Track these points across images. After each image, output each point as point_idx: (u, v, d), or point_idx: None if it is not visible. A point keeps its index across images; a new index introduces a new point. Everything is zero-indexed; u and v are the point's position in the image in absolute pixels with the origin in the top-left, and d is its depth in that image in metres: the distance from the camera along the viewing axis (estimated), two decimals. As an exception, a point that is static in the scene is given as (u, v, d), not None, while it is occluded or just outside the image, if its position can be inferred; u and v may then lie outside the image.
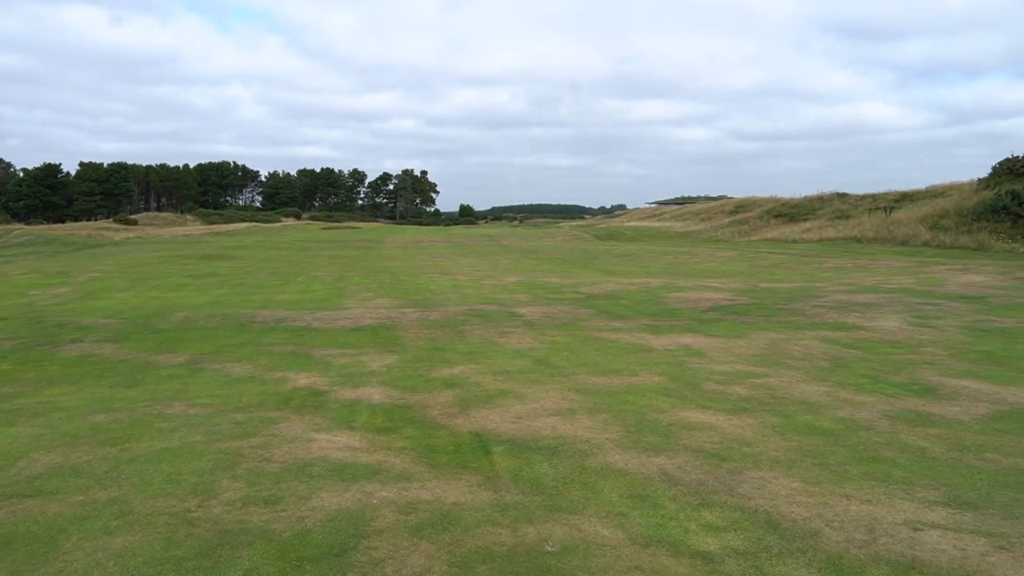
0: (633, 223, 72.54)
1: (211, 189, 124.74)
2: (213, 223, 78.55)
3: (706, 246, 41.93)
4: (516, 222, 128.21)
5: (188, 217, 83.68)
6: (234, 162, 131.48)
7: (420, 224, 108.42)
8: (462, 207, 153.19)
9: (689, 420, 5.74)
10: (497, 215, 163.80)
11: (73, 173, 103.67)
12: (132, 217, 72.59)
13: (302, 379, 7.36)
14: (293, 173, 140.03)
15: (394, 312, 12.23)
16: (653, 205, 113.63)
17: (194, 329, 10.55)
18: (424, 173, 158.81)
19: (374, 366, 7.94)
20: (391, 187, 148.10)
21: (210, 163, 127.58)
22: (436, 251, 40.84)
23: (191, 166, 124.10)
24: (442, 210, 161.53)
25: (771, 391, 6.74)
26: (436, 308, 12.74)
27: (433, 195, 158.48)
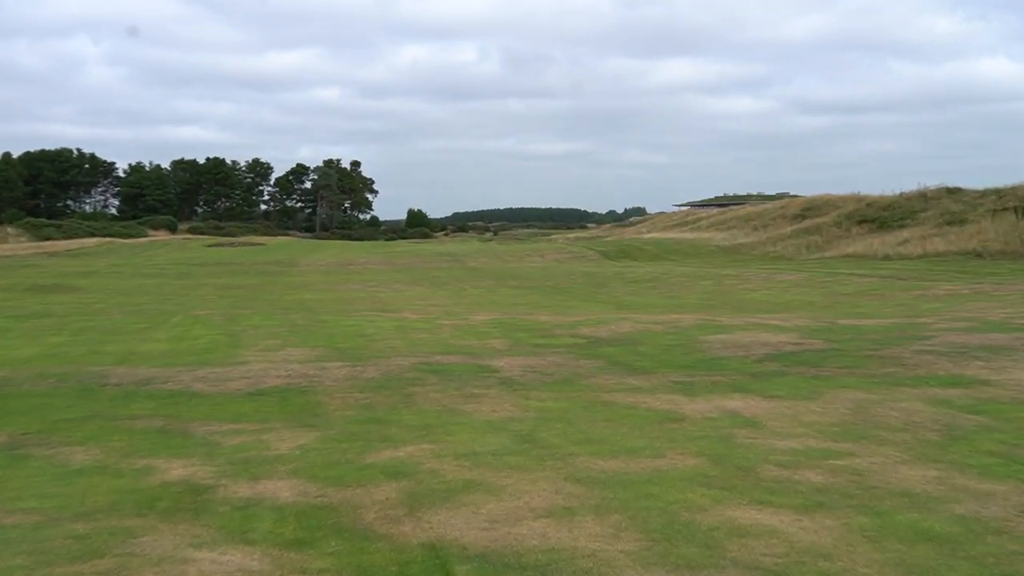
0: (655, 234, 73.07)
1: (44, 189, 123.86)
2: (47, 239, 78.05)
3: (760, 266, 42.31)
4: (489, 235, 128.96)
5: (9, 230, 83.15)
6: (78, 149, 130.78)
7: (350, 238, 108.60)
8: (411, 213, 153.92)
9: (740, 522, 5.75)
10: (461, 225, 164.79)
11: None
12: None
13: (176, 469, 7.28)
14: (165, 165, 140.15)
15: (312, 367, 12.25)
16: (684, 208, 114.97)
17: (14, 397, 10.44)
18: (356, 165, 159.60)
19: (282, 448, 7.91)
20: (308, 185, 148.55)
21: (42, 151, 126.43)
22: (373, 277, 40.58)
23: (13, 156, 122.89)
24: (382, 217, 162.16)
25: (858, 477, 6.78)
26: (373, 361, 12.76)
27: (369, 196, 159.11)
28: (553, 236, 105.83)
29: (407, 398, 10.06)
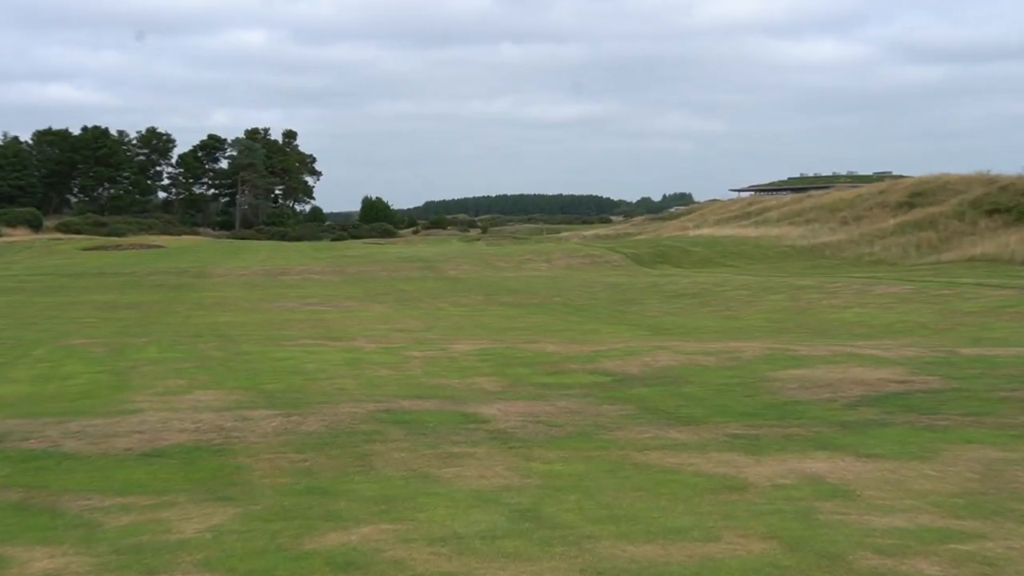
0: (706, 230, 72.64)
1: None
2: None
3: (851, 273, 42.07)
4: (475, 232, 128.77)
5: None
6: None
7: (283, 238, 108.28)
8: (368, 204, 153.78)
9: (826, 632, 5.65)
10: (436, 219, 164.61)
11: None
12: None
13: (39, 560, 7.22)
14: (25, 138, 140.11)
15: (230, 418, 12.24)
16: (745, 194, 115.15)
17: None
18: (290, 137, 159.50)
19: (188, 530, 7.85)
20: (224, 165, 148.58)
21: None
22: (316, 292, 40.48)
23: None
24: (328, 209, 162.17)
25: (990, 569, 6.74)
26: (315, 409, 12.77)
27: (309, 180, 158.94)
28: (564, 234, 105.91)
29: (362, 460, 10.05)
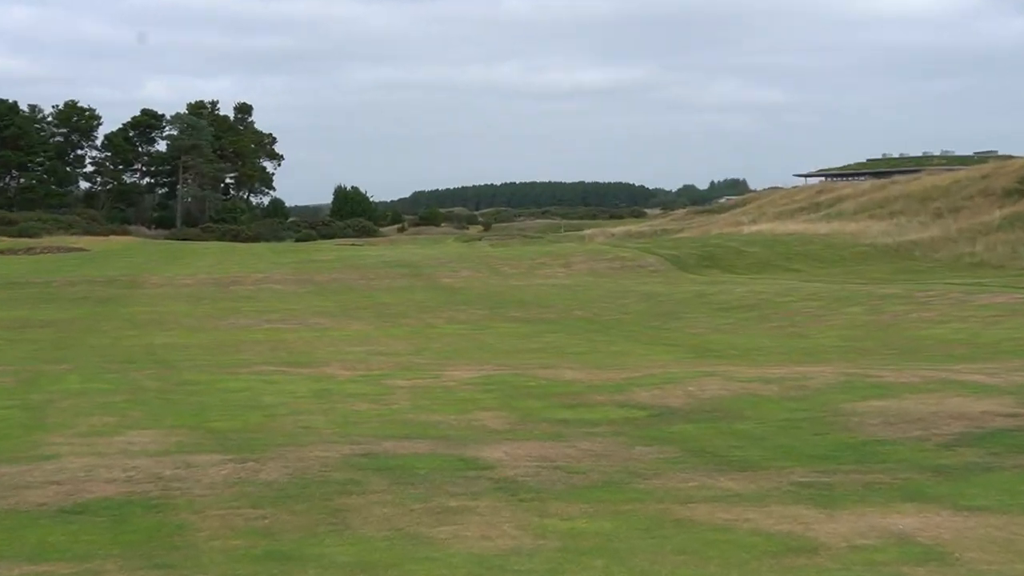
0: (764, 225, 72.20)
1: None
2: None
3: (946, 279, 41.71)
4: (476, 229, 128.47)
5: None
6: None
7: (237, 239, 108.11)
8: (342, 195, 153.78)
9: None
10: (427, 213, 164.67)
11: None
12: None
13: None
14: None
15: (170, 464, 12.20)
16: (813, 180, 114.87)
17: None
18: (243, 111, 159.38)
19: (117, 608, 7.80)
20: (163, 147, 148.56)
21: None
22: (277, 306, 40.57)
23: None
24: (292, 202, 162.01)
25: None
26: (276, 452, 12.76)
27: (268, 165, 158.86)
28: (587, 232, 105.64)
29: (334, 516, 10.03)
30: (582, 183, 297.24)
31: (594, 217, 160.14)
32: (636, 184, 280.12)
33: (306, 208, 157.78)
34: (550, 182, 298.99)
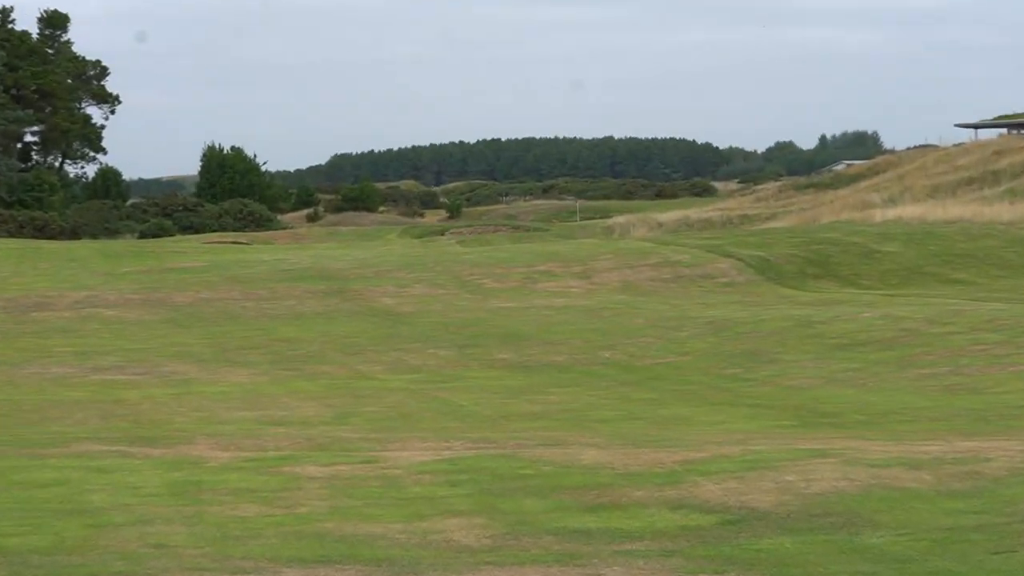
0: (908, 208, 65.03)
1: None
2: None
3: None
4: (436, 218, 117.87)
5: None
6: None
7: (44, 233, 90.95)
8: (214, 159, 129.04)
9: None
10: (356, 190, 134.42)
11: None
12: None
13: None
14: None
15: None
16: (991, 135, 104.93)
17: None
18: (57, 24, 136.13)
19: None
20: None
21: None
22: (111, 343, 35.31)
23: None
24: (135, 174, 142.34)
25: None
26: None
27: (95, 113, 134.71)
28: (617, 219, 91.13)
29: None
30: (610, 139, 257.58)
31: (629, 196, 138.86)
32: (699, 141, 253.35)
33: (158, 183, 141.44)
34: (557, 138, 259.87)
